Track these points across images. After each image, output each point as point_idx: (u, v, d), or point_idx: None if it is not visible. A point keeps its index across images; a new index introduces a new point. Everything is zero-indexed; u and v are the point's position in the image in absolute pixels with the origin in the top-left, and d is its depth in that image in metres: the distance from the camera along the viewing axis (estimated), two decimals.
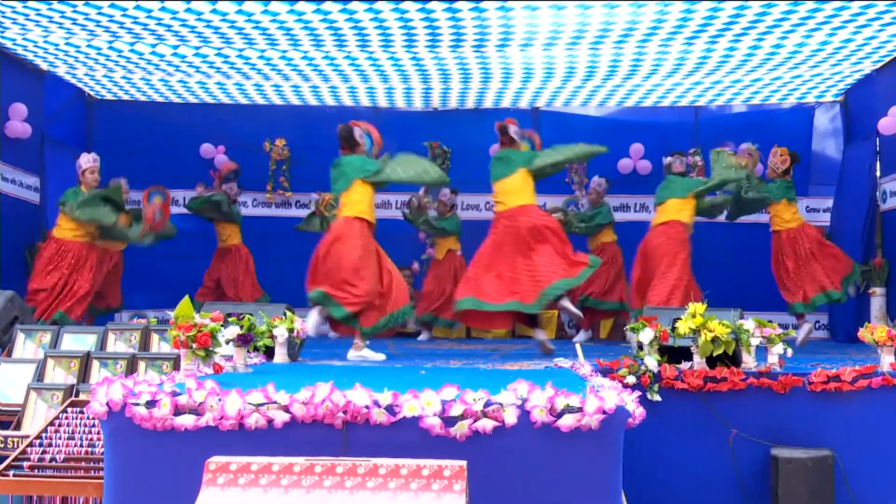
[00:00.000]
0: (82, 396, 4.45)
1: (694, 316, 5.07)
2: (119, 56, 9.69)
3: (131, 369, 4.83)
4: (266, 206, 11.88)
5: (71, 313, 8.55)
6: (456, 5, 7.88)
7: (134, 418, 3.41)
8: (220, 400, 3.41)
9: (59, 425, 4.21)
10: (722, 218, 10.06)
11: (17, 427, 4.57)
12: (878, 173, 10.13)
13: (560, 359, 5.84)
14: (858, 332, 5.41)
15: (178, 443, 3.40)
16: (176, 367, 4.72)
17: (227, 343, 4.61)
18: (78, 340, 5.27)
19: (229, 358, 4.69)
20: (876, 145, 10.10)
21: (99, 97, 11.74)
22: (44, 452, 4.02)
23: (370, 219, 6.94)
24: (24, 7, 7.98)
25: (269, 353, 5.51)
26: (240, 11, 8.04)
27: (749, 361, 5.22)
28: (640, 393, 4.27)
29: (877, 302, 9.60)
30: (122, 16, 8.16)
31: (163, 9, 7.96)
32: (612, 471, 3.42)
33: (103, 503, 3.51)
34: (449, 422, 3.34)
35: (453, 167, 11.72)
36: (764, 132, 10.93)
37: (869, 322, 6.86)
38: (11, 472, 3.88)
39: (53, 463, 3.97)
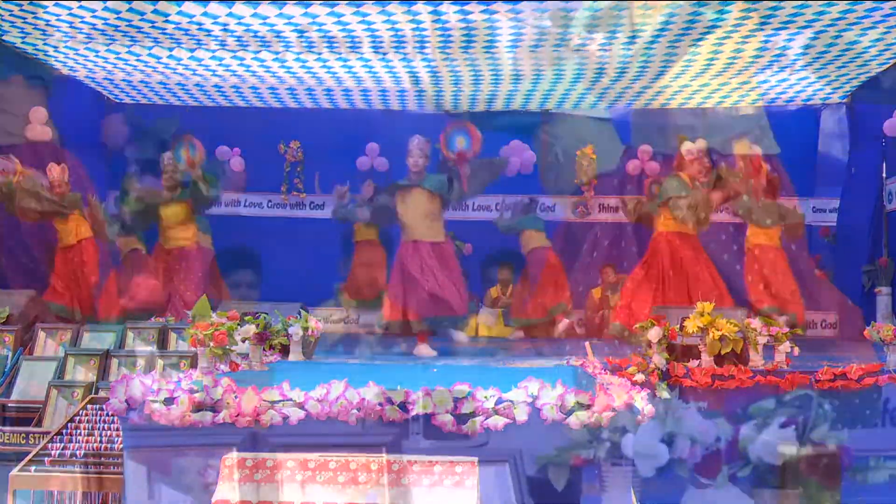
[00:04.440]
0: (102, 394, 4.49)
1: (702, 315, 5.11)
2: (137, 60, 9.76)
3: (150, 367, 4.89)
4: (281, 207, 11.94)
5: None
6: (467, 7, 7.93)
7: (152, 415, 3.45)
8: (236, 397, 3.44)
9: (80, 422, 4.25)
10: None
11: (39, 423, 4.63)
12: (883, 174, 10.17)
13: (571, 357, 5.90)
14: (864, 330, 5.44)
15: (196, 439, 3.43)
16: (193, 365, 4.77)
17: (244, 341, 4.67)
18: (97, 339, 5.33)
19: (246, 356, 4.74)
20: (882, 146, 10.12)
21: (118, 100, 11.83)
22: (64, 448, 4.06)
23: None
24: (45, 13, 8.08)
25: (285, 351, 5.57)
26: (255, 15, 8.11)
27: (756, 359, 5.27)
28: (649, 391, 4.30)
29: (882, 301, 9.61)
30: (140, 20, 8.24)
31: (180, 13, 8.05)
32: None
33: (122, 498, 3.56)
34: (461, 419, 3.37)
35: None
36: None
37: (875, 321, 6.89)
38: (33, 468, 3.92)
39: (74, 458, 4.02)
